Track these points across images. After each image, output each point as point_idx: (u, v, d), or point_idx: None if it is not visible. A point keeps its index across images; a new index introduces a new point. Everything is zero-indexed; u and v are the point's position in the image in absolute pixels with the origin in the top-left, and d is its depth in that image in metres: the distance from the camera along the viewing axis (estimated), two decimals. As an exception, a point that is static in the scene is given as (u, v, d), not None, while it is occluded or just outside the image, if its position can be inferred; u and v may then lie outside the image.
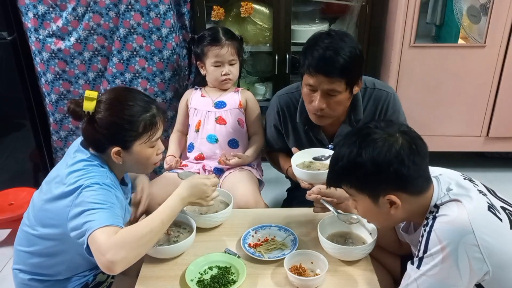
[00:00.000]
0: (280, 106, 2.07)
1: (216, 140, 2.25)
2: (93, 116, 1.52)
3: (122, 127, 1.52)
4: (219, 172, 2.24)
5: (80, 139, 1.62)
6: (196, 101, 2.31)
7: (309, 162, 1.85)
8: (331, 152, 1.82)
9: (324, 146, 2.01)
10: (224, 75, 2.23)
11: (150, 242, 1.44)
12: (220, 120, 2.25)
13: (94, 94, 1.51)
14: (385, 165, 1.30)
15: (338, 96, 1.80)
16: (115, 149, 1.54)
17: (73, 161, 1.54)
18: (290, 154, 1.96)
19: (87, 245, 1.39)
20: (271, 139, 2.19)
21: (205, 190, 1.60)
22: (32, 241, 1.61)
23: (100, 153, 1.58)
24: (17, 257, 1.67)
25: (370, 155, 1.31)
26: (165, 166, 2.13)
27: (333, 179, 1.44)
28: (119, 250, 1.34)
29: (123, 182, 1.69)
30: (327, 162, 1.81)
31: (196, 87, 2.39)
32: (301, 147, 2.06)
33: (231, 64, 2.24)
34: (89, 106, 1.51)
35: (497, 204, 1.38)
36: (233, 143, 2.27)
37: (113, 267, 1.33)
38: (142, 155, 1.58)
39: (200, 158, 2.27)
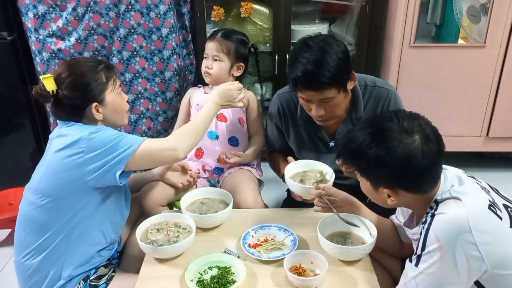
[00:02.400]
0: (280, 105, 2.07)
1: (217, 137, 2.25)
2: (57, 93, 1.65)
3: (89, 84, 1.67)
4: (219, 171, 2.25)
5: (55, 130, 1.71)
6: (199, 98, 2.32)
7: (303, 172, 1.86)
8: (325, 166, 1.83)
9: (325, 144, 2.01)
10: (206, 67, 2.24)
11: (199, 134, 1.77)
12: (221, 117, 2.25)
13: (47, 75, 1.65)
14: (390, 165, 1.31)
15: (333, 101, 1.81)
16: (93, 105, 1.67)
17: (61, 131, 1.65)
18: (291, 157, 1.97)
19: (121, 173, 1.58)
20: (272, 138, 2.19)
21: (230, 93, 1.90)
22: (33, 217, 1.66)
23: (80, 120, 1.68)
24: (22, 245, 1.69)
25: (378, 151, 1.32)
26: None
27: (342, 156, 1.52)
28: (180, 140, 1.68)
29: None
30: (320, 177, 1.83)
31: (200, 85, 2.40)
32: (302, 145, 2.06)
33: (215, 60, 2.23)
34: (50, 85, 1.63)
35: (500, 202, 1.38)
36: (233, 141, 2.27)
37: (178, 154, 1.66)
38: (115, 103, 1.74)
39: (199, 153, 2.28)
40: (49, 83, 1.63)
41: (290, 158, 1.92)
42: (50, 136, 1.70)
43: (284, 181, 1.98)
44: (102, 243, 1.73)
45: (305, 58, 1.75)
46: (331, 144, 2.00)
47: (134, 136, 1.66)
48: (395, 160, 1.31)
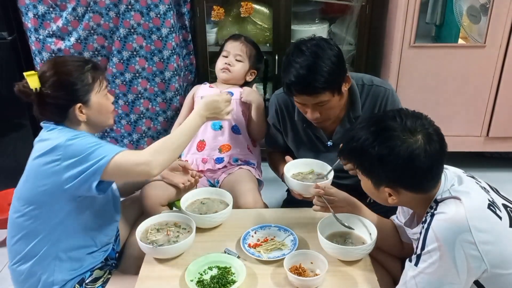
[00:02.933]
0: (278, 105, 2.07)
1: (220, 127, 2.27)
2: (41, 91, 1.59)
3: (74, 84, 1.61)
4: (219, 161, 2.26)
5: (39, 133, 1.66)
6: (204, 91, 2.37)
7: (302, 172, 1.86)
8: (326, 165, 1.83)
9: (323, 143, 2.02)
10: (226, 63, 2.31)
11: (179, 148, 1.66)
12: None
13: (31, 71, 1.59)
14: (392, 164, 1.32)
15: (328, 104, 1.82)
16: (77, 105, 1.62)
17: (42, 136, 1.62)
18: (289, 156, 1.97)
19: (97, 184, 1.51)
20: (271, 138, 2.19)
21: (217, 105, 1.78)
22: (19, 224, 1.63)
23: (63, 121, 1.64)
24: (12, 252, 1.68)
25: (381, 151, 1.32)
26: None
27: (344, 154, 1.49)
28: (156, 155, 1.56)
29: None
30: (321, 175, 1.82)
31: (205, 82, 2.44)
32: (300, 145, 2.07)
33: (237, 60, 2.32)
34: (34, 82, 1.57)
35: (499, 201, 1.38)
36: (236, 129, 2.29)
37: (151, 170, 1.54)
38: (100, 104, 1.68)
39: (202, 145, 2.28)
40: (32, 81, 1.57)
41: (288, 158, 1.92)
42: (34, 141, 1.66)
43: (283, 181, 1.99)
44: (92, 246, 1.71)
45: (298, 64, 1.75)
46: (329, 143, 2.01)
47: (111, 146, 1.58)
48: (398, 160, 1.31)
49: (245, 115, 2.31)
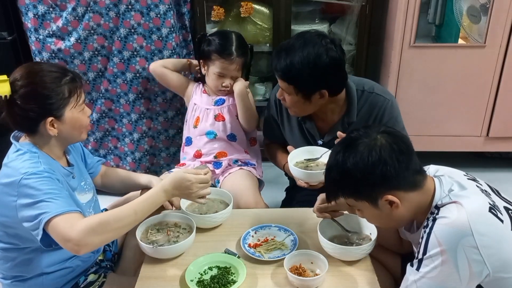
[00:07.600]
0: (276, 97, 2.07)
1: (215, 136, 2.26)
2: (11, 99, 1.47)
3: (49, 96, 1.49)
4: (217, 165, 2.26)
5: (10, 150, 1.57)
6: (197, 97, 2.33)
7: (305, 160, 1.85)
8: (326, 150, 1.82)
9: (314, 140, 2.02)
10: (224, 86, 2.21)
11: (123, 228, 1.47)
12: (219, 118, 2.26)
13: (3, 76, 1.46)
14: (370, 169, 1.32)
15: (288, 96, 1.84)
16: (49, 119, 1.50)
17: (8, 159, 1.52)
18: (287, 148, 1.97)
19: (42, 236, 1.40)
20: (268, 129, 2.19)
21: (188, 186, 1.56)
22: None
23: (32, 134, 1.54)
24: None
25: (354, 162, 1.33)
26: None
27: (330, 192, 1.46)
28: (87, 236, 1.38)
29: (68, 163, 1.67)
30: (322, 160, 1.82)
31: (199, 82, 2.40)
32: (294, 137, 2.07)
33: (232, 78, 2.21)
34: (4, 89, 1.44)
35: (500, 204, 1.38)
36: (231, 137, 2.28)
37: (79, 251, 1.39)
38: (75, 120, 1.56)
39: (198, 154, 2.29)
40: (2, 86, 1.43)
41: (290, 148, 1.91)
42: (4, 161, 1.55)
43: (284, 171, 1.98)
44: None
45: (284, 44, 1.81)
46: (320, 142, 2.00)
47: (60, 202, 1.42)
48: (372, 161, 1.31)
49: None
